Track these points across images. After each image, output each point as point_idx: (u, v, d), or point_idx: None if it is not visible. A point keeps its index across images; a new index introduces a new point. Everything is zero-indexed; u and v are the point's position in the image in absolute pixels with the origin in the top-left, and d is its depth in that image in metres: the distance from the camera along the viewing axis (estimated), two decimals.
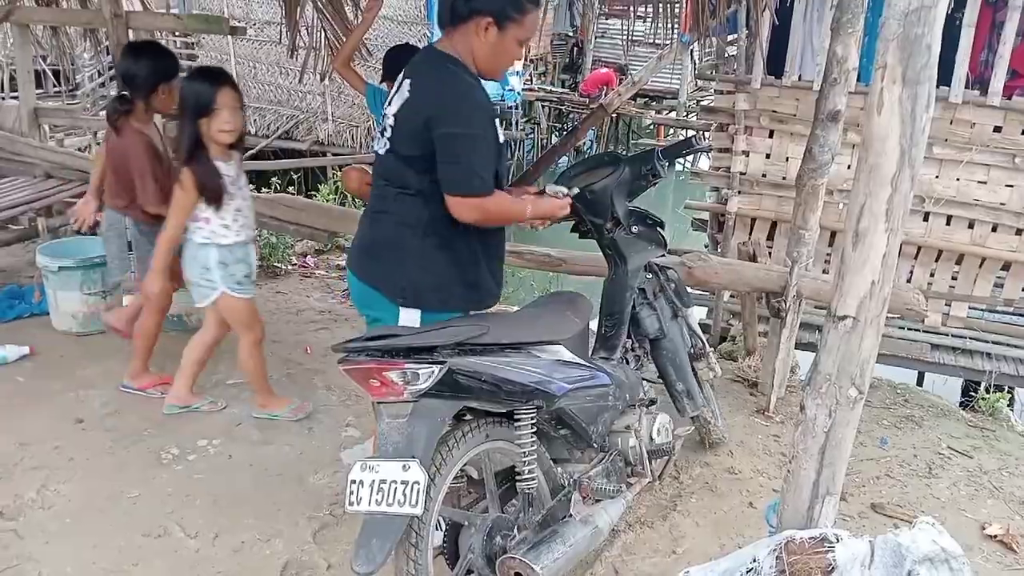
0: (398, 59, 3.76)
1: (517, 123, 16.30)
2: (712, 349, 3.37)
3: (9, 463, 3.20)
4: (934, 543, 1.90)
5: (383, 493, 1.96)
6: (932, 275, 6.08)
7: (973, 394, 5.47)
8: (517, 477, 2.31)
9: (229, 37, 10.65)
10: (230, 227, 3.29)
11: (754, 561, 1.97)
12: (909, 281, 5.99)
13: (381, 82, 3.99)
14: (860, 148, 1.85)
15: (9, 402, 3.65)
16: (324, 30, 5.05)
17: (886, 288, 1.85)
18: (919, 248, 5.98)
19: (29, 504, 2.97)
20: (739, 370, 4.39)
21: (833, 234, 6.03)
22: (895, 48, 1.73)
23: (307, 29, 5.19)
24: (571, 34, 19.96)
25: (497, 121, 2.42)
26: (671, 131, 17.56)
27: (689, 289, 3.41)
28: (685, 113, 17.21)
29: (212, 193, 3.20)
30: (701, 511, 3.13)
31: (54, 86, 12.76)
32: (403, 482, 1.95)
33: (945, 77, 5.35)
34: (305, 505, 2.98)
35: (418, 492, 1.94)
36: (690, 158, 13.81)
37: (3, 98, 12.30)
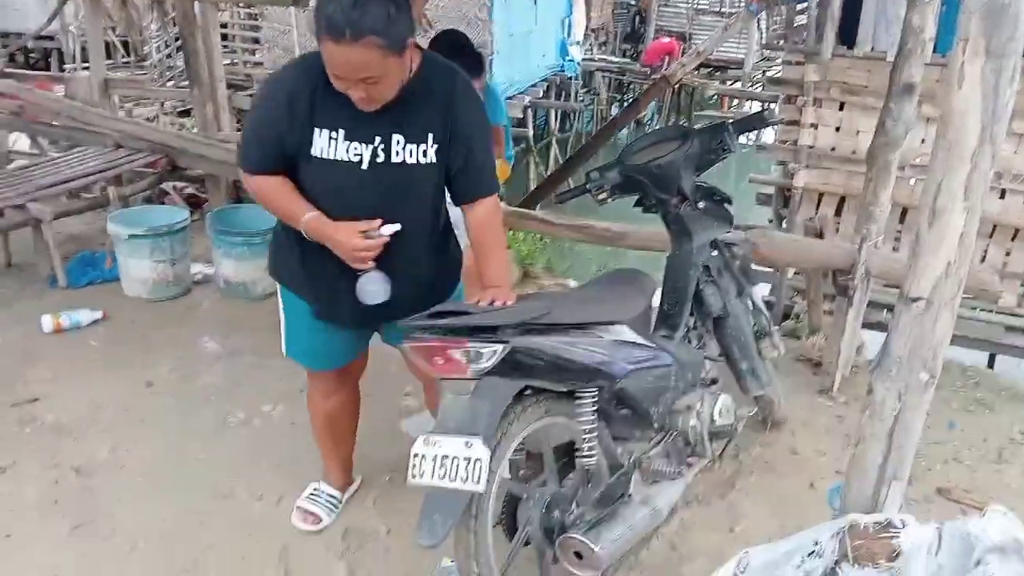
0: (444, 47, 3.80)
1: (576, 94, 16.18)
2: (776, 327, 3.31)
3: (83, 424, 3.33)
4: (1005, 532, 1.84)
5: (445, 468, 1.98)
6: (1008, 254, 5.86)
7: None
8: (576, 453, 2.31)
9: (292, 8, 10.73)
10: None
11: (816, 544, 1.94)
12: (984, 260, 5.78)
13: None
14: (938, 123, 1.78)
15: (82, 365, 3.79)
16: None
17: (962, 269, 1.78)
18: (995, 226, 5.77)
19: (102, 464, 3.09)
20: (803, 349, 4.30)
21: (904, 210, 5.84)
22: (979, 20, 1.65)
23: None
24: (633, 3, 19.66)
25: (298, 112, 2.08)
26: (735, 102, 17.21)
27: (753, 266, 3.34)
28: (750, 84, 16.83)
29: None
30: (761, 490, 3.09)
31: (123, 57, 13.07)
32: (466, 459, 1.96)
33: None
34: (365, 471, 3.03)
35: (480, 469, 1.94)
36: (755, 131, 13.52)
37: (75, 69, 12.67)
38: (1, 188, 4.66)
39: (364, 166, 2.13)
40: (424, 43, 4.40)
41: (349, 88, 1.99)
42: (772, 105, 6.40)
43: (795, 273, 5.77)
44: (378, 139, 2.12)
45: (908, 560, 1.81)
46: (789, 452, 3.36)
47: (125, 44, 12.80)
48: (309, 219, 2.15)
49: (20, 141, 6.83)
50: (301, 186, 2.19)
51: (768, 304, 5.39)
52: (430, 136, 2.16)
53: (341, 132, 2.10)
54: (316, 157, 2.12)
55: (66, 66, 13.49)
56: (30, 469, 3.04)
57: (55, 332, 4.04)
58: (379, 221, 2.15)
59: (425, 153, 2.16)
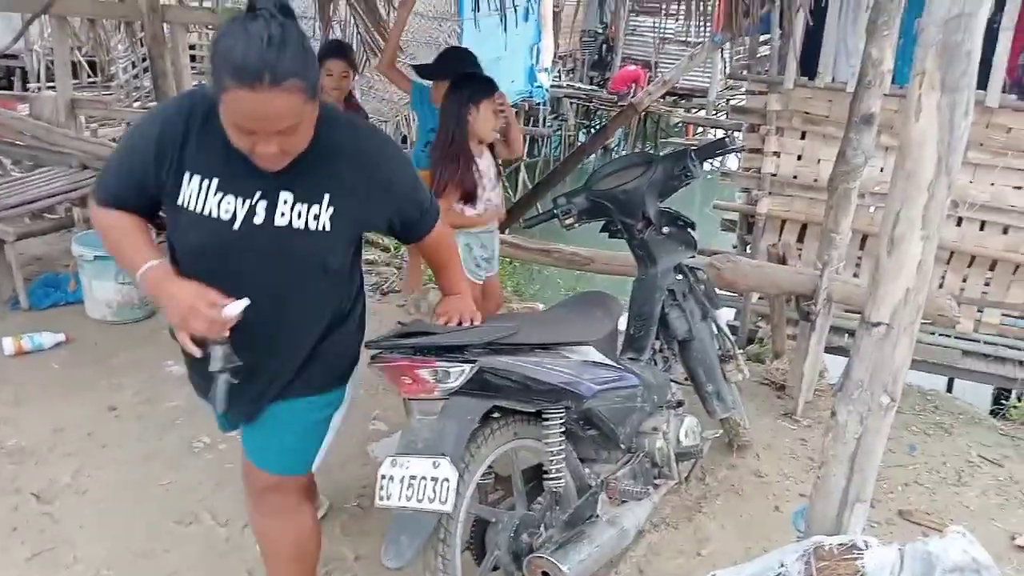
0: (451, 61, 3.88)
1: (544, 120, 16.33)
2: (740, 351, 3.36)
3: (44, 448, 3.27)
4: (964, 552, 1.88)
5: (413, 489, 1.98)
6: (965, 280, 6.01)
7: (1004, 402, 5.40)
8: (544, 476, 2.32)
9: None
10: (481, 216, 3.52)
11: (782, 566, 1.97)
12: (941, 286, 5.92)
13: (425, 77, 4.11)
14: (897, 154, 1.84)
15: (44, 388, 3.72)
16: (356, 26, 5.09)
17: (921, 295, 1.84)
18: (952, 253, 5.91)
19: (64, 489, 3.03)
20: (767, 373, 4.36)
21: (864, 237, 5.97)
22: (934, 55, 1.71)
23: (340, 25, 5.23)
24: (600, 31, 19.90)
25: (162, 149, 1.76)
26: (700, 130, 17.45)
27: (717, 290, 3.40)
28: (714, 112, 17.09)
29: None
30: (726, 513, 3.12)
31: (88, 77, 12.93)
32: (433, 479, 1.97)
33: (981, 81, 5.27)
34: (333, 497, 3.01)
35: (448, 489, 1.95)
36: (718, 158, 13.72)
37: (39, 88, 12.51)
38: None
39: (236, 226, 1.76)
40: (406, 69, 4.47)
41: (258, 144, 1.66)
42: (735, 133, 6.52)
43: (759, 298, 5.86)
44: (259, 194, 1.77)
45: None
46: (754, 475, 3.40)
47: (92, 64, 12.68)
48: (149, 268, 1.76)
49: None
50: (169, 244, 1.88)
51: (732, 328, 5.47)
52: (326, 197, 1.80)
53: (214, 181, 1.76)
54: (182, 208, 1.78)
55: (30, 85, 13.32)
56: None
57: (17, 355, 3.97)
58: (243, 303, 1.72)
59: (317, 218, 1.79)
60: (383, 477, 2.03)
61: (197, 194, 1.76)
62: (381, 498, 2.02)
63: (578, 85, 18.89)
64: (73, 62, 10.57)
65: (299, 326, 1.92)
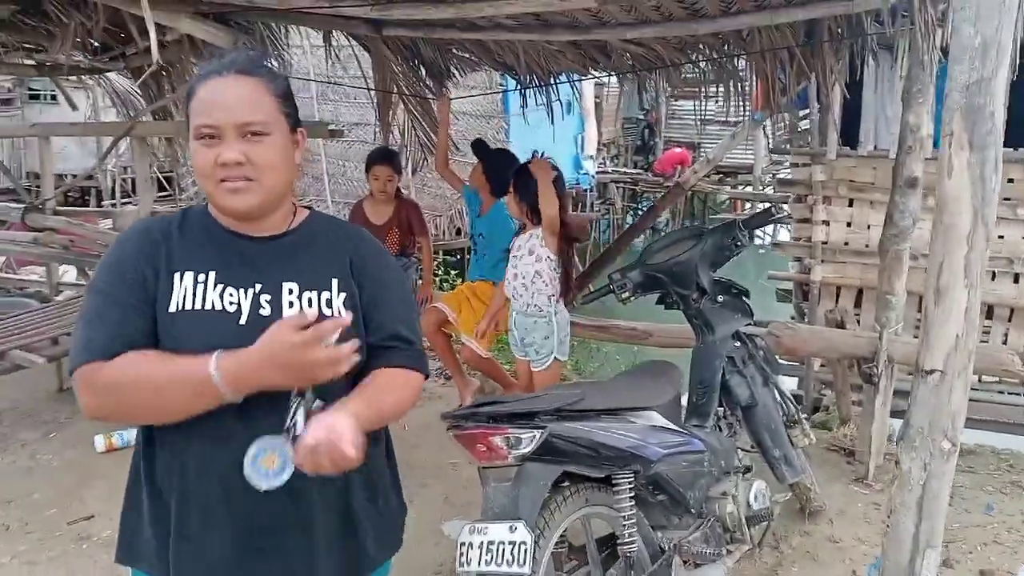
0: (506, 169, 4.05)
1: (592, 205, 16.74)
2: (806, 417, 3.39)
3: None
4: None
5: (492, 554, 2.07)
6: None
7: None
8: (617, 541, 2.38)
9: (320, 140, 11.29)
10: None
11: None
12: (1005, 343, 5.84)
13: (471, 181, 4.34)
14: (934, 209, 1.95)
15: None
16: (414, 128, 5.40)
17: (971, 341, 1.91)
18: (1012, 310, 5.85)
19: None
20: (834, 439, 4.35)
21: (921, 298, 5.94)
22: (959, 117, 1.85)
23: (399, 128, 5.55)
24: (642, 117, 20.41)
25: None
26: (748, 205, 17.59)
27: (779, 359, 3.45)
28: (761, 187, 17.24)
29: None
30: None
31: (160, 190, 13.72)
32: (511, 543, 2.05)
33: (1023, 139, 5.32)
34: (409, 575, 3.08)
35: (526, 552, 2.03)
36: (769, 229, 13.80)
37: (114, 205, 13.28)
38: (52, 318, 4.90)
39: (242, 320, 1.49)
40: (457, 167, 4.73)
41: (221, 153, 1.45)
42: (782, 204, 6.63)
43: (821, 365, 5.85)
44: (259, 286, 1.52)
45: None
46: (829, 541, 3.38)
47: (168, 179, 13.45)
48: (218, 358, 1.39)
49: (69, 273, 7.18)
50: None
51: (796, 397, 5.46)
52: (335, 282, 1.57)
53: (211, 274, 1.51)
54: (175, 314, 1.49)
55: (104, 202, 14.17)
56: None
57: (108, 451, 4.17)
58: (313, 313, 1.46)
59: (330, 304, 1.55)
60: (462, 544, 2.12)
61: (193, 290, 1.50)
62: (461, 564, 2.11)
63: (623, 170, 19.31)
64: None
65: None
